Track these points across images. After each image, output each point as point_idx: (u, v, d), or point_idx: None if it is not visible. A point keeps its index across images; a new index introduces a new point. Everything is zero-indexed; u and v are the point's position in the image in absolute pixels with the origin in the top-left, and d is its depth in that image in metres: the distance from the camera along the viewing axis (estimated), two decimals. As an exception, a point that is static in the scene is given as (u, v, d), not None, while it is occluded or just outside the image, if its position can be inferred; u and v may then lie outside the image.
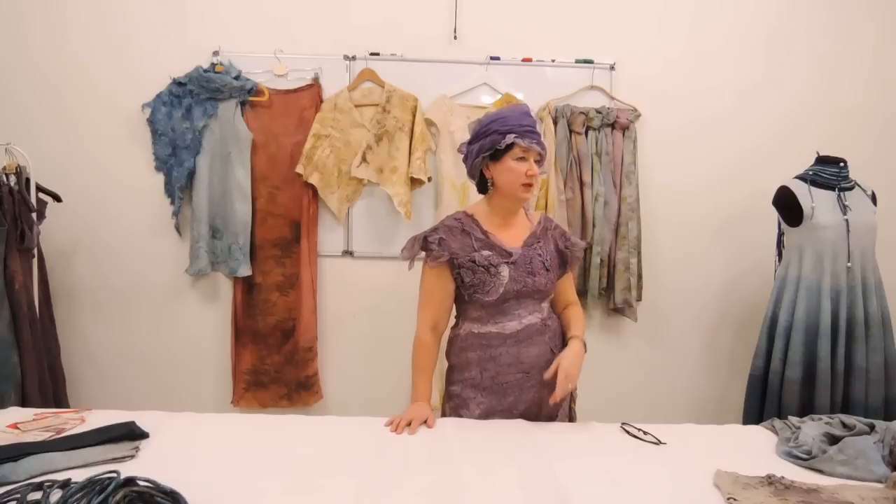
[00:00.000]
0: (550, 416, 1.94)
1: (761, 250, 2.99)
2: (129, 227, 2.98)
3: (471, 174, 1.92)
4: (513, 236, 1.90)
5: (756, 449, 1.79)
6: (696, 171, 3.06)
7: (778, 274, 2.66)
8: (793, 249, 2.58)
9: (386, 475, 1.54)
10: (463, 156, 1.93)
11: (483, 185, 1.91)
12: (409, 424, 1.78)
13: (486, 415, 1.88)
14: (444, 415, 1.94)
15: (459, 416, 1.90)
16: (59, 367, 2.79)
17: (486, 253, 1.84)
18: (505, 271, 1.83)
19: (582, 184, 2.93)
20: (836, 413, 2.18)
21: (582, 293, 3.00)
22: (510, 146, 1.79)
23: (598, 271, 2.94)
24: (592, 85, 2.99)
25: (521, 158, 1.81)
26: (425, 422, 1.80)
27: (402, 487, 1.48)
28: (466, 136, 2.87)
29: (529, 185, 1.83)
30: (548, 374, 1.82)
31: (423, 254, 1.89)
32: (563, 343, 1.96)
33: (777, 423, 1.95)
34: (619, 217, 2.95)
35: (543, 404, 1.91)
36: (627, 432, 1.84)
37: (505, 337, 1.86)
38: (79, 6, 2.89)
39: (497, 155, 1.82)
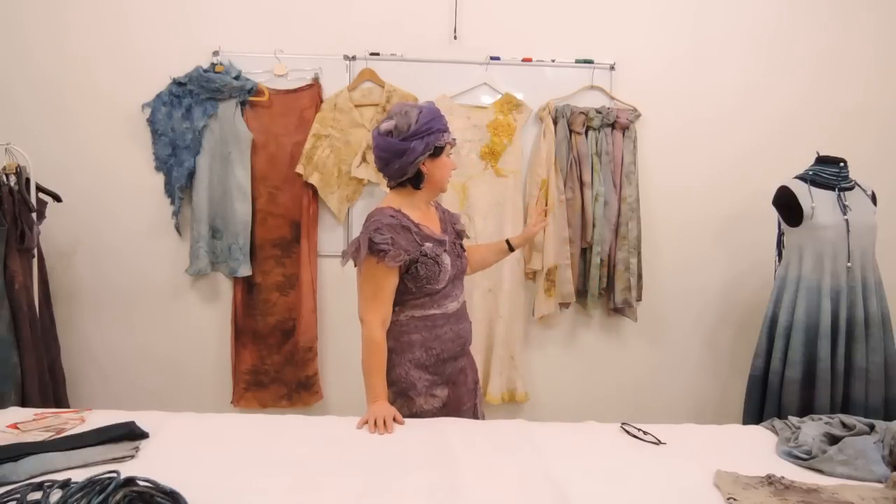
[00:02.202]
0: (474, 380, 2.15)
1: (761, 250, 2.99)
2: (129, 227, 2.98)
3: (403, 170, 1.90)
4: (433, 225, 2.00)
5: (756, 449, 1.79)
6: (696, 171, 3.06)
7: (778, 274, 2.66)
8: (793, 249, 2.58)
9: (386, 475, 1.54)
10: (392, 151, 1.88)
11: (418, 179, 1.93)
12: (384, 423, 1.80)
13: (429, 388, 1.96)
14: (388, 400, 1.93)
15: (408, 396, 1.95)
16: (59, 367, 2.79)
17: (429, 245, 1.91)
18: (446, 259, 1.93)
19: (582, 184, 2.93)
20: (836, 413, 2.18)
21: (582, 293, 3.00)
22: (445, 144, 1.94)
23: (598, 271, 2.94)
24: (592, 85, 2.99)
25: (449, 154, 1.98)
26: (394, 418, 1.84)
27: (402, 487, 1.49)
28: (467, 136, 2.92)
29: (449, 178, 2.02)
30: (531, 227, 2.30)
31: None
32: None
33: (777, 423, 1.95)
34: (619, 217, 2.95)
35: (468, 371, 2.11)
36: (627, 432, 1.85)
37: (448, 316, 1.97)
38: (79, 6, 2.89)
39: (437, 152, 1.92)
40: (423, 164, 1.90)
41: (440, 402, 1.98)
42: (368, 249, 1.83)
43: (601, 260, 2.94)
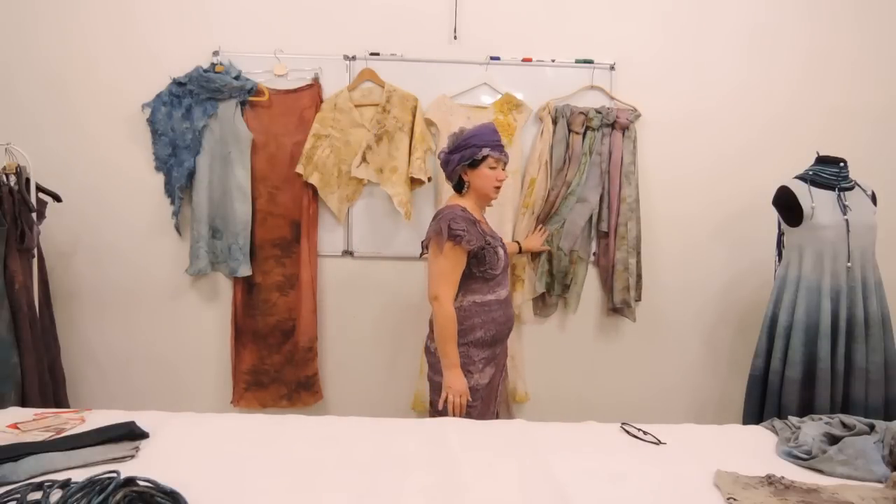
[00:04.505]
0: (503, 364, 2.46)
1: (761, 250, 2.99)
2: (129, 227, 2.98)
3: (450, 177, 2.34)
4: (488, 225, 2.36)
5: (756, 449, 1.79)
6: (695, 171, 3.06)
7: (778, 274, 2.66)
8: (793, 249, 2.58)
9: (386, 475, 1.54)
10: (442, 162, 2.33)
11: (459, 186, 2.32)
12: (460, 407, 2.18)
13: (483, 367, 2.27)
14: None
15: (468, 371, 2.23)
16: (59, 367, 2.79)
17: (489, 238, 2.26)
18: (501, 251, 2.29)
19: (566, 184, 2.91)
20: (836, 413, 2.19)
21: (551, 286, 3.00)
22: (485, 157, 2.25)
23: (565, 268, 2.94)
24: (592, 85, 2.99)
25: (493, 167, 2.27)
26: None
27: (402, 487, 1.49)
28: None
29: (498, 187, 2.31)
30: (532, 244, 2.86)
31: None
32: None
33: (777, 423, 1.95)
34: (618, 217, 2.95)
35: (505, 354, 2.47)
36: (627, 432, 1.85)
37: (501, 302, 2.32)
38: (79, 6, 2.88)
39: (475, 164, 2.26)
40: (465, 173, 2.27)
41: (487, 378, 2.29)
42: (448, 235, 2.16)
43: (564, 254, 2.91)
